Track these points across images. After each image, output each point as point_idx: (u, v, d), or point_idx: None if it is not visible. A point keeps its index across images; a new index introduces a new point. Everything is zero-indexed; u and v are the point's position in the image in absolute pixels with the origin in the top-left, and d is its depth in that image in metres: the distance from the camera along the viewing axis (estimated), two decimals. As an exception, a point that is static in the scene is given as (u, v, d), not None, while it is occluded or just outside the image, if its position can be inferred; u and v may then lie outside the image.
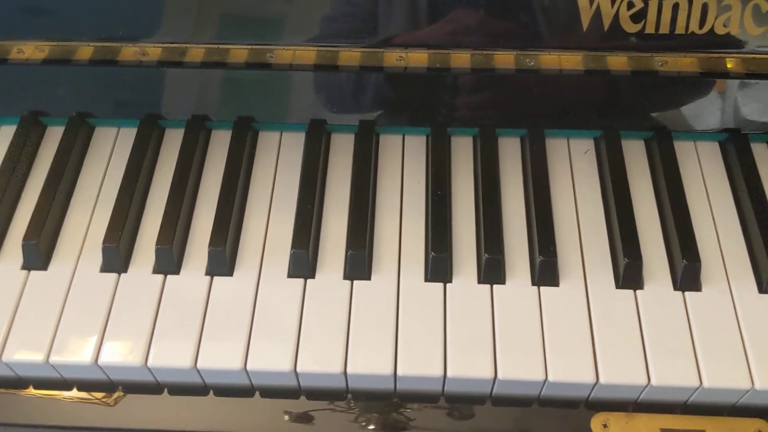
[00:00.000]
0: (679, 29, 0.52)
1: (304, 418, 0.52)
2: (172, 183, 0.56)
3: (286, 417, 0.52)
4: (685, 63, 0.55)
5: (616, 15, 0.51)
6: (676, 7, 0.51)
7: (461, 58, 0.57)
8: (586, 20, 0.51)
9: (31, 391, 0.53)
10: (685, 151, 0.59)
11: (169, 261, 0.53)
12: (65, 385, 0.53)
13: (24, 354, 0.50)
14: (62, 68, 0.58)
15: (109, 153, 0.60)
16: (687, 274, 0.52)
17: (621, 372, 0.48)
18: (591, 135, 0.60)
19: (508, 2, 0.52)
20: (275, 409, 0.52)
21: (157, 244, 0.53)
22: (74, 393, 0.53)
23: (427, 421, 0.52)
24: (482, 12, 0.52)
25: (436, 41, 0.56)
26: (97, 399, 0.53)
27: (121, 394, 0.52)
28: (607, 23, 0.51)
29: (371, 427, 0.51)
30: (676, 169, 0.57)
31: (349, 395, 0.52)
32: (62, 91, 0.60)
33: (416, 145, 0.60)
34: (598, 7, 0.51)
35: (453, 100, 0.59)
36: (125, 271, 0.53)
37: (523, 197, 0.57)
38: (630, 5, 0.51)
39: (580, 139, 0.60)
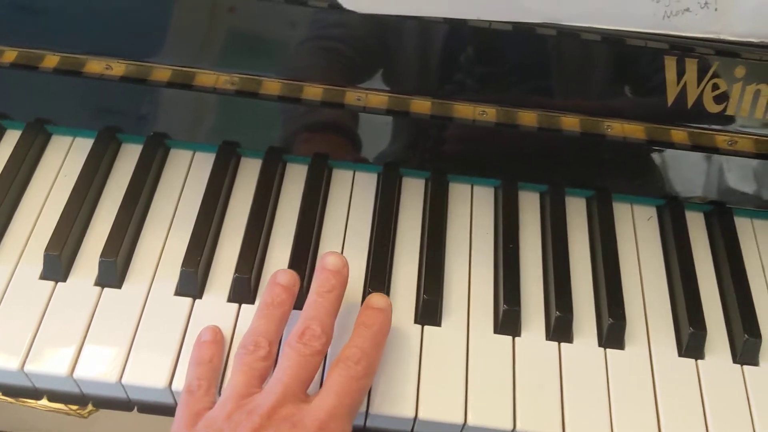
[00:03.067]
0: (758, 114, 0.54)
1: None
2: (251, 212, 0.57)
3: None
4: (752, 145, 0.57)
5: (700, 95, 0.54)
6: (757, 93, 0.53)
7: (529, 117, 0.59)
8: (671, 97, 0.53)
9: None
10: (743, 227, 0.61)
11: (246, 290, 0.53)
12: (129, 405, 0.53)
13: (95, 372, 0.50)
14: (142, 87, 0.59)
15: (185, 174, 0.61)
16: (748, 349, 0.53)
17: (684, 440, 0.50)
18: (654, 203, 0.62)
19: (601, 75, 0.54)
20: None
21: (236, 272, 0.53)
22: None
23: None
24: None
25: (512, 100, 0.58)
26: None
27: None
28: (690, 101, 0.54)
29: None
30: (736, 245, 0.59)
31: (410, 439, 0.53)
32: (144, 109, 0.60)
33: (485, 195, 0.62)
34: (684, 85, 0.53)
35: (524, 157, 0.61)
36: (200, 297, 0.54)
37: (589, 256, 0.58)
38: (714, 87, 0.53)
39: (644, 206, 0.62)
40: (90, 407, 0.53)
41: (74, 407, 0.53)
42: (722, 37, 0.46)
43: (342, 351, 0.47)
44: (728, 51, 0.51)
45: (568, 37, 0.52)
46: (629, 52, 0.52)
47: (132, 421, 0.53)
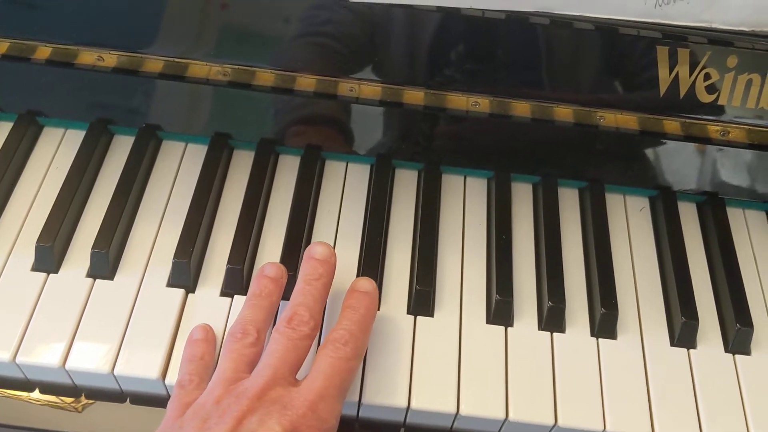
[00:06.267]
0: (750, 104, 0.54)
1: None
2: (243, 204, 0.57)
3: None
4: (744, 135, 0.58)
5: (693, 85, 0.54)
6: (749, 83, 0.53)
7: (522, 108, 0.59)
8: (664, 87, 0.53)
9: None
10: (735, 218, 0.61)
11: (239, 281, 0.53)
12: (121, 397, 0.52)
13: (87, 363, 0.50)
14: (135, 79, 0.59)
15: (177, 166, 0.60)
16: (739, 338, 0.54)
17: (677, 428, 0.50)
18: (647, 194, 0.62)
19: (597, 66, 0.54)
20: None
21: (228, 263, 0.53)
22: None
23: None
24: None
25: (505, 90, 0.58)
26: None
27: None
28: (683, 91, 0.54)
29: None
30: (728, 235, 0.59)
31: (403, 430, 0.53)
32: (136, 101, 0.60)
33: (477, 186, 0.62)
34: (677, 75, 0.53)
35: (517, 148, 0.61)
36: (193, 291, 0.54)
37: (582, 247, 0.59)
38: (706, 77, 0.53)
39: (636, 197, 0.62)
40: (84, 400, 0.53)
41: (69, 400, 0.53)
42: (714, 26, 0.46)
43: (329, 333, 0.47)
44: (720, 40, 0.51)
45: (560, 26, 0.52)
46: (621, 41, 0.52)
47: (127, 414, 0.53)
